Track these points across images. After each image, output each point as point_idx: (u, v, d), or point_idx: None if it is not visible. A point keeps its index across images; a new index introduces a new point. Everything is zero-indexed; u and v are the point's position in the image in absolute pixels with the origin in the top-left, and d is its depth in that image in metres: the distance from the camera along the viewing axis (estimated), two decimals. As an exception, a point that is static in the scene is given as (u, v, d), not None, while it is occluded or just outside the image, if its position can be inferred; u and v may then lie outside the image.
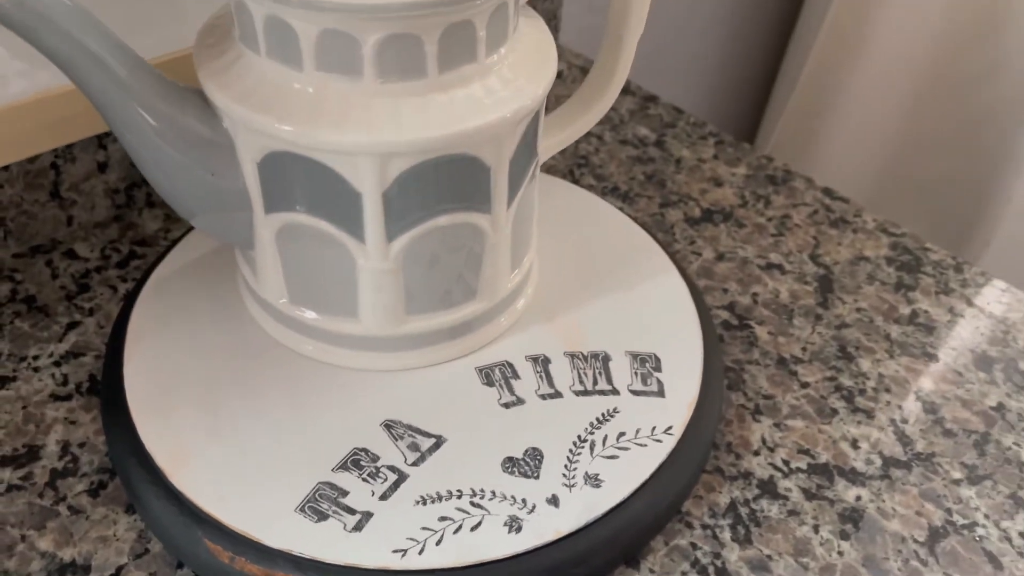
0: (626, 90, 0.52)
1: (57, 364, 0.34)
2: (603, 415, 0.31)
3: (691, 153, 0.47)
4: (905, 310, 0.39)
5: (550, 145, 0.34)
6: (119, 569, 0.28)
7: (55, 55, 0.25)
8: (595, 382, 0.32)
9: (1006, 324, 0.39)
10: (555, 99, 0.51)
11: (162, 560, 0.28)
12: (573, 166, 0.46)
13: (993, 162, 0.68)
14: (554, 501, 0.28)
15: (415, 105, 0.26)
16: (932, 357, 0.37)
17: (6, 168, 0.36)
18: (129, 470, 0.29)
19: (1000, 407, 0.35)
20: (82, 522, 0.29)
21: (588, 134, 0.48)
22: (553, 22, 0.55)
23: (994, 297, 0.40)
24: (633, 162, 0.47)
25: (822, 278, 0.40)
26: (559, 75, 0.53)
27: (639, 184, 0.45)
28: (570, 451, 0.30)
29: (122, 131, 0.27)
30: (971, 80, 0.67)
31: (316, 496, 0.28)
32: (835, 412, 0.34)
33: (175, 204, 0.29)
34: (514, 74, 0.28)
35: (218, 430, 0.30)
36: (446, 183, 0.27)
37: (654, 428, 0.31)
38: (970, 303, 0.40)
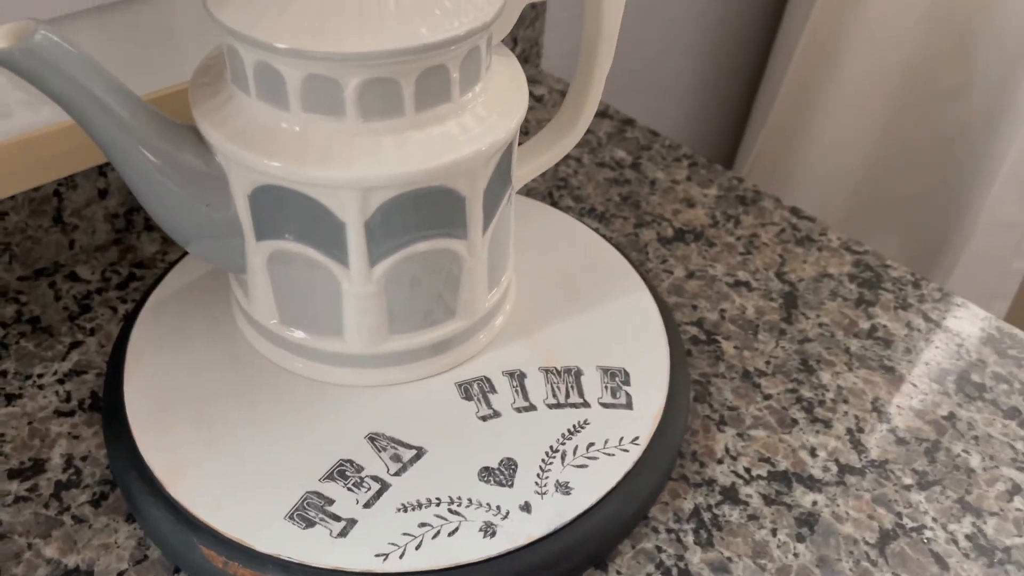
0: (604, 114, 0.54)
1: (60, 382, 0.36)
2: (574, 427, 0.33)
3: (665, 175, 0.50)
4: (865, 325, 0.41)
5: (525, 173, 0.36)
6: (120, 574, 0.30)
7: (61, 99, 0.27)
8: (567, 395, 0.34)
9: (960, 337, 0.41)
10: (536, 123, 0.53)
11: (160, 566, 0.30)
12: (553, 188, 0.48)
13: (963, 177, 0.71)
14: (527, 508, 0.30)
15: (394, 142, 0.28)
16: (889, 370, 0.39)
17: (11, 196, 0.38)
18: (129, 482, 0.31)
19: (951, 416, 0.37)
20: (85, 531, 0.31)
21: (567, 157, 0.50)
22: (535, 48, 0.57)
23: (950, 312, 0.42)
24: (610, 184, 0.49)
25: (787, 294, 0.42)
26: (540, 99, 0.55)
27: (615, 205, 0.47)
28: (543, 461, 0.32)
29: (124, 167, 0.29)
30: (942, 97, 0.69)
31: (304, 504, 0.30)
32: (795, 422, 0.36)
33: (172, 232, 0.31)
34: (487, 111, 0.30)
35: (213, 443, 0.32)
36: (424, 213, 0.29)
37: (621, 439, 0.33)
38: (927, 318, 0.42)
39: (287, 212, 0.29)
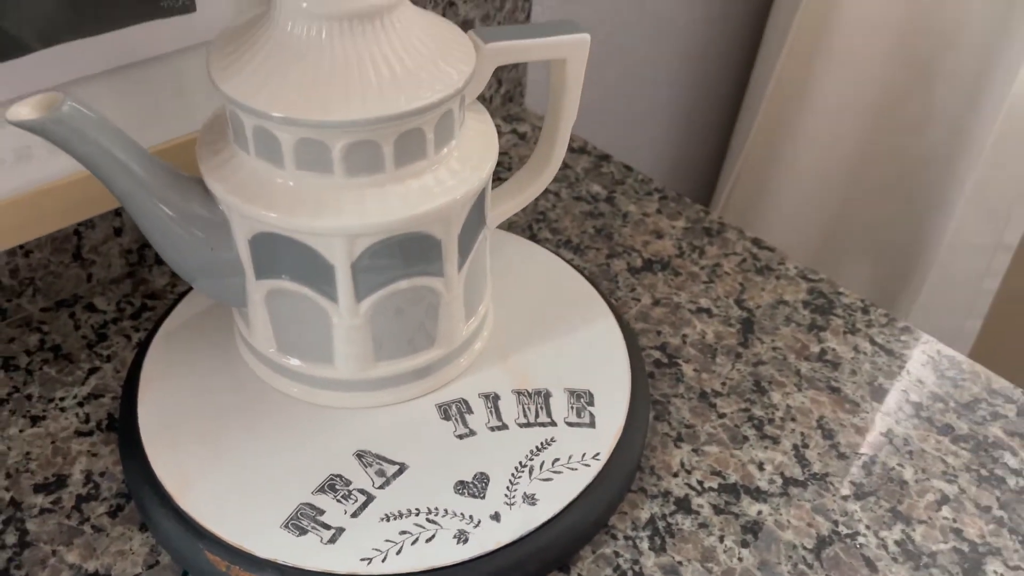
0: (583, 150, 0.58)
1: (80, 404, 0.40)
2: (542, 444, 0.37)
3: (637, 208, 0.53)
4: (815, 348, 0.45)
5: (499, 213, 0.40)
6: (135, 577, 0.34)
7: (85, 160, 0.31)
8: (537, 415, 0.38)
9: (902, 360, 0.44)
10: (519, 159, 0.57)
11: (170, 570, 0.34)
12: (533, 221, 0.52)
13: (928, 204, 0.75)
14: (496, 517, 0.34)
15: (376, 195, 0.32)
16: (835, 390, 0.43)
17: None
18: (142, 495, 0.35)
19: (889, 433, 0.41)
20: (103, 539, 0.35)
21: (547, 192, 0.54)
22: (519, 88, 0.61)
23: (894, 336, 0.46)
24: (585, 217, 0.53)
25: (745, 320, 0.46)
26: (523, 136, 0.59)
27: (589, 237, 0.51)
28: (512, 475, 0.35)
29: (138, 217, 0.33)
30: (905, 130, 0.73)
31: (298, 515, 0.33)
32: (746, 439, 0.40)
33: (180, 272, 0.35)
34: (460, 165, 0.34)
35: (217, 460, 0.35)
36: (404, 255, 0.33)
37: (584, 454, 0.36)
38: (873, 341, 0.45)
39: (283, 255, 0.33)
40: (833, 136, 0.76)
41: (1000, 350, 0.92)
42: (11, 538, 0.34)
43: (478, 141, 0.35)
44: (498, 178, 0.55)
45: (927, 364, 0.44)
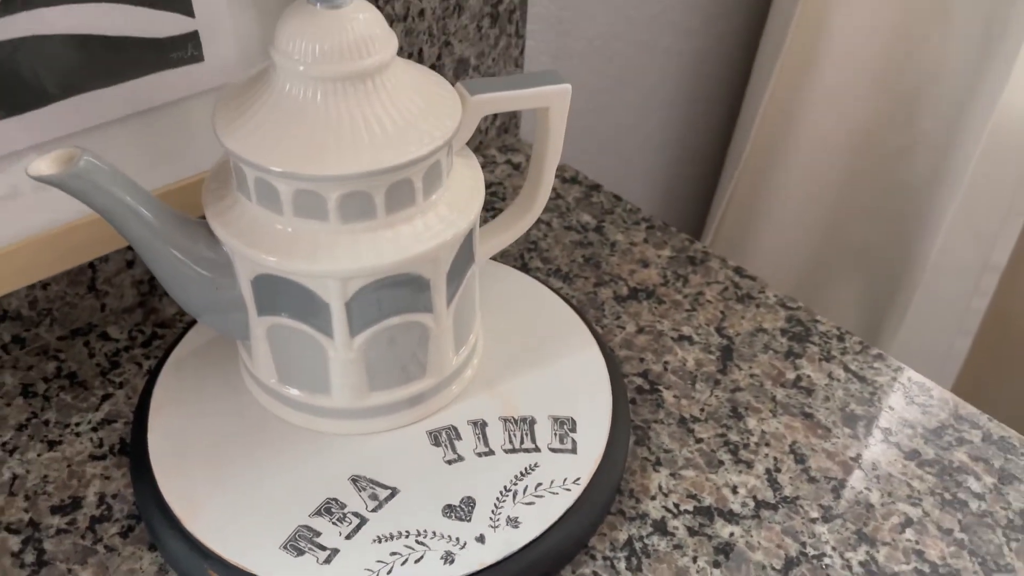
0: (574, 179, 0.61)
1: (94, 430, 0.42)
2: (526, 469, 0.39)
3: (624, 237, 0.56)
4: (791, 375, 0.47)
5: (487, 249, 0.42)
6: (144, 594, 0.36)
7: (100, 209, 0.33)
8: (522, 441, 0.40)
9: (873, 387, 0.47)
10: (513, 189, 0.60)
11: (178, 587, 0.36)
12: (524, 250, 0.54)
13: (913, 227, 0.77)
14: (481, 539, 0.36)
15: (368, 240, 0.34)
16: (808, 416, 0.45)
17: (53, 269, 0.44)
18: (151, 517, 0.37)
19: (858, 457, 0.43)
20: (115, 558, 0.37)
21: (539, 221, 0.56)
22: (513, 119, 0.64)
23: (867, 363, 0.48)
24: (575, 246, 0.55)
25: (724, 348, 0.48)
26: (518, 167, 0.62)
27: (578, 266, 0.53)
28: (497, 499, 0.38)
29: (149, 259, 0.35)
30: (890, 157, 0.75)
31: (296, 536, 0.36)
32: (722, 463, 0.42)
33: (187, 308, 0.38)
34: (448, 210, 0.36)
35: (221, 484, 0.38)
36: (394, 294, 0.36)
37: (565, 479, 0.39)
38: (847, 368, 0.48)
39: (282, 294, 0.35)
40: (821, 163, 0.78)
41: (989, 370, 0.94)
42: (29, 557, 0.37)
43: (466, 185, 0.38)
44: (492, 207, 0.58)
45: (898, 391, 0.46)
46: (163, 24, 0.40)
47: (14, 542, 0.37)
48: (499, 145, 0.64)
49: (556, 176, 0.60)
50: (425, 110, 0.34)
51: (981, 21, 0.67)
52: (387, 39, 0.33)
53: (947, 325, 0.86)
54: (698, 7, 0.76)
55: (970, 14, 0.67)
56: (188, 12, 0.40)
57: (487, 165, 0.62)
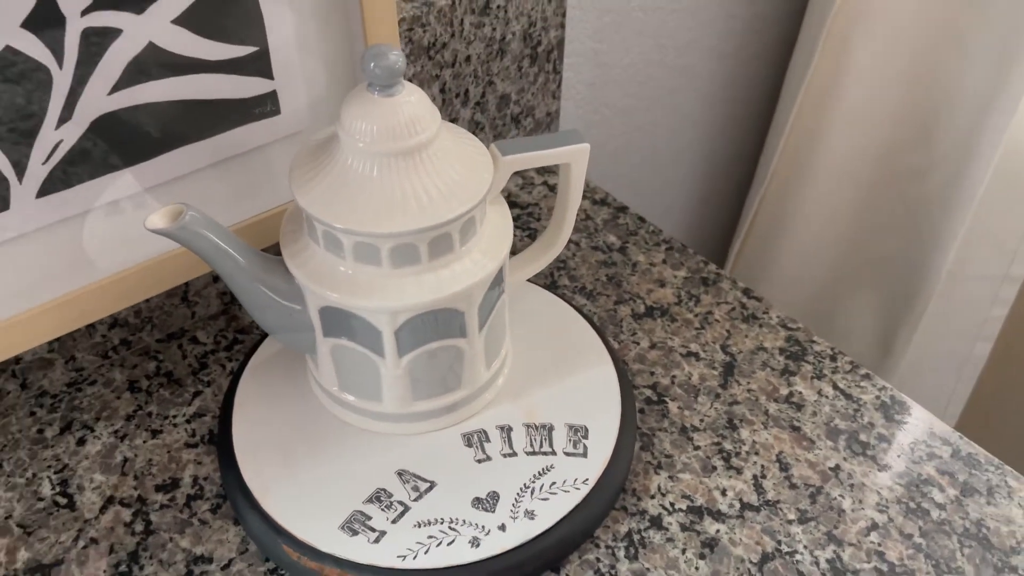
0: (604, 202, 0.67)
1: (188, 422, 0.51)
2: (543, 469, 0.46)
3: (645, 258, 0.62)
4: (784, 391, 0.53)
5: (517, 278, 0.49)
6: (230, 561, 0.44)
7: (200, 252, 0.41)
8: (541, 445, 0.47)
9: (858, 404, 0.52)
10: (547, 209, 0.66)
11: (256, 556, 0.45)
12: (553, 269, 0.61)
13: (928, 241, 0.81)
14: (503, 528, 0.44)
15: (413, 282, 0.41)
16: (796, 429, 0.51)
17: (154, 284, 0.53)
18: (235, 497, 0.46)
19: (836, 468, 0.49)
20: (207, 529, 0.46)
21: (568, 241, 0.63)
22: (551, 143, 0.70)
23: (855, 382, 0.54)
24: (600, 266, 0.62)
25: (727, 364, 0.55)
26: (552, 188, 0.68)
27: (601, 284, 0.60)
28: (517, 494, 0.45)
29: (237, 290, 0.43)
30: (907, 176, 0.80)
31: (351, 519, 0.44)
32: (715, 468, 0.49)
33: (265, 327, 0.45)
34: (481, 255, 0.43)
35: (291, 472, 0.46)
36: (435, 325, 0.43)
37: (576, 479, 0.46)
38: (835, 386, 0.53)
39: (343, 322, 0.43)
40: (842, 179, 0.83)
41: (1011, 375, 0.98)
42: (139, 526, 0.46)
43: (497, 231, 0.44)
44: (528, 227, 0.65)
45: (880, 408, 0.52)
46: (248, 87, 0.48)
47: (126, 514, 0.46)
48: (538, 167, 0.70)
49: (586, 197, 0.67)
50: (464, 175, 0.41)
51: (995, 49, 0.71)
52: (432, 117, 0.40)
53: (966, 332, 0.90)
54: (731, 33, 0.81)
55: (985, 42, 0.71)
56: (268, 75, 0.48)
57: (525, 186, 0.68)
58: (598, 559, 0.45)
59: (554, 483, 0.46)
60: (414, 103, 0.40)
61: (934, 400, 0.95)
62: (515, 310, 0.53)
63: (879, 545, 0.45)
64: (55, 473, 0.48)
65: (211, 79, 0.46)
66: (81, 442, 0.50)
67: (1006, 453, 0.55)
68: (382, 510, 0.44)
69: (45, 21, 0.40)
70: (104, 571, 0.44)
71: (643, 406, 0.52)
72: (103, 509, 0.46)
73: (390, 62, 0.39)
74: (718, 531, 0.46)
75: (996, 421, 1.03)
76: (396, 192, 0.39)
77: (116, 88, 0.43)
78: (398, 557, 0.42)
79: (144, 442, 0.50)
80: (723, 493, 0.48)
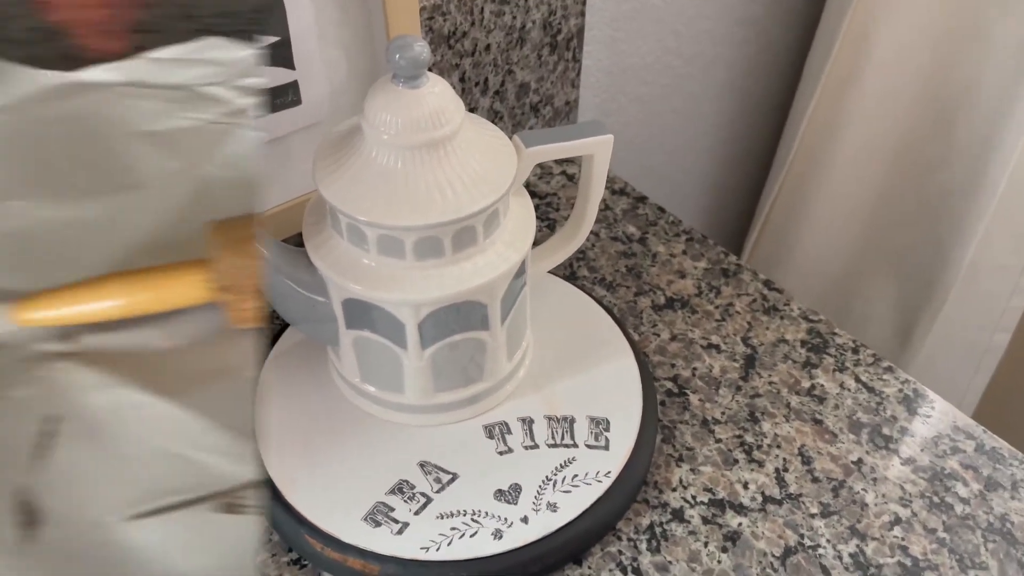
0: (623, 191, 0.67)
1: (209, 412, 0.51)
2: (564, 462, 0.46)
3: (665, 249, 0.62)
4: (806, 384, 0.53)
5: (538, 270, 0.49)
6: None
7: (223, 244, 0.41)
8: (563, 438, 0.47)
9: (880, 397, 0.52)
10: (567, 200, 0.66)
11: (280, 546, 0.45)
12: (573, 260, 0.61)
13: (948, 231, 0.81)
14: (525, 520, 0.44)
15: (437, 274, 0.41)
16: (818, 422, 0.51)
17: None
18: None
19: (859, 461, 0.49)
20: (230, 519, 0.46)
21: (588, 231, 0.63)
22: (569, 132, 0.70)
23: (877, 375, 0.53)
24: (619, 256, 0.61)
25: (748, 356, 0.54)
26: (572, 178, 0.68)
27: (621, 275, 0.60)
28: (539, 486, 0.45)
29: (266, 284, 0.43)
30: (927, 167, 0.79)
31: (374, 510, 0.44)
32: (736, 461, 0.49)
33: (288, 319, 0.45)
34: (504, 247, 0.43)
35: (314, 463, 0.46)
36: (457, 317, 0.43)
37: (598, 472, 0.46)
38: (858, 379, 0.53)
39: (366, 315, 0.43)
40: (861, 169, 0.82)
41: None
42: (163, 515, 0.46)
43: (520, 223, 0.44)
44: (547, 217, 0.64)
45: (902, 402, 0.52)
46: (270, 77, 0.47)
47: (150, 503, 0.46)
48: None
49: (606, 188, 0.66)
50: (488, 167, 0.41)
51: (1018, 40, 0.70)
52: (456, 109, 0.40)
53: (985, 322, 0.89)
54: (750, 22, 0.80)
55: (1006, 34, 0.70)
56: (289, 66, 0.48)
57: (544, 176, 0.68)
58: (620, 552, 0.45)
59: (576, 476, 0.46)
60: (438, 94, 0.40)
61: (952, 390, 0.95)
62: (535, 302, 0.53)
63: (903, 539, 0.45)
64: (78, 463, 0.48)
65: (233, 69, 0.46)
66: (104, 432, 0.50)
67: (1023, 444, 0.54)
68: (405, 501, 0.44)
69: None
70: (129, 561, 0.44)
71: (664, 398, 0.52)
72: (127, 499, 0.47)
73: (415, 53, 0.38)
74: (740, 524, 0.46)
75: (1013, 412, 1.03)
76: (420, 185, 0.39)
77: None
78: (421, 549, 0.42)
79: (166, 432, 0.50)
80: (745, 486, 0.48)
